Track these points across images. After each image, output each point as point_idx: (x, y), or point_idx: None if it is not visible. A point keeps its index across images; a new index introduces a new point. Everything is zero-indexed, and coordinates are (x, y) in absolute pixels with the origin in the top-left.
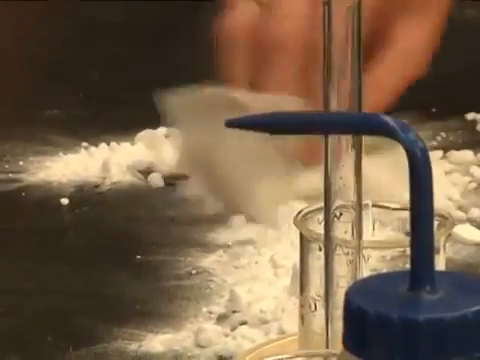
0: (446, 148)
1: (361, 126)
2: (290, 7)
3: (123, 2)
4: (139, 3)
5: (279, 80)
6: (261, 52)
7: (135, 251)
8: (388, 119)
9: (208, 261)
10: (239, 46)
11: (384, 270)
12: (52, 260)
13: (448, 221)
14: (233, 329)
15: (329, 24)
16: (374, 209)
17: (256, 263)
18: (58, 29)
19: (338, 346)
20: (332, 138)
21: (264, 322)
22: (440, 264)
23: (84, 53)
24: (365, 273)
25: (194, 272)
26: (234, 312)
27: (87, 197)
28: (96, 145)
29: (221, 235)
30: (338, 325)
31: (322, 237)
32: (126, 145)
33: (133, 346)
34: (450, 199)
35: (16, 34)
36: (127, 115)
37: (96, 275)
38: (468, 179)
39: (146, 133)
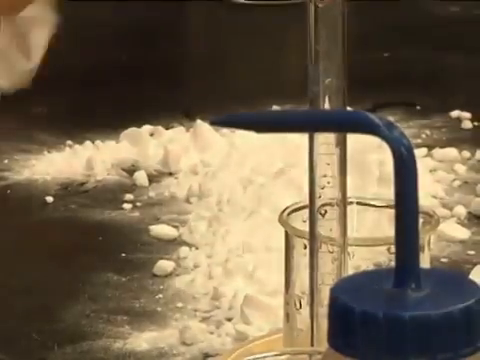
0: (430, 146)
1: (346, 124)
2: None
3: (112, 2)
4: (128, 3)
5: None
6: None
7: (120, 249)
8: (373, 117)
9: (194, 259)
10: None
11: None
12: (37, 258)
13: (433, 219)
14: (218, 327)
15: (315, 22)
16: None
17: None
18: None
19: (323, 344)
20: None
21: (249, 320)
22: (425, 261)
23: (71, 51)
24: (350, 270)
25: (180, 270)
26: (219, 309)
27: (72, 195)
28: (81, 143)
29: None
30: (323, 323)
31: (307, 235)
32: (111, 143)
33: (118, 344)
34: (435, 197)
35: None
36: (112, 113)
37: (81, 273)
38: (452, 177)
39: (131, 131)
